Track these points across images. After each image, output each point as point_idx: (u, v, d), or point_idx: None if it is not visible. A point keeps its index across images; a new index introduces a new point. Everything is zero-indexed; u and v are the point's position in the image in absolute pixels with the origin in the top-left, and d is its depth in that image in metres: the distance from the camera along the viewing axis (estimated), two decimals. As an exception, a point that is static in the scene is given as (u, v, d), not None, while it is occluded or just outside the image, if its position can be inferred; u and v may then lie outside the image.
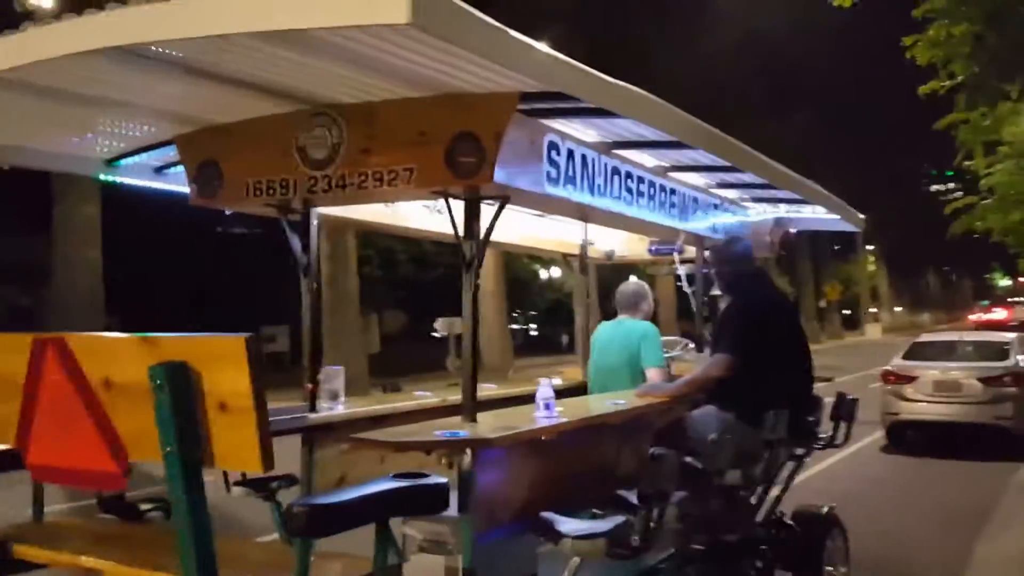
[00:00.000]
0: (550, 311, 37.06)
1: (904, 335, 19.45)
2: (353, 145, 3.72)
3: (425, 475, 2.69)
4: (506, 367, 23.81)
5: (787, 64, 32.49)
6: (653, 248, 6.68)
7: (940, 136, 9.87)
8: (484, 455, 3.42)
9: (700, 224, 5.64)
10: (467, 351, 3.73)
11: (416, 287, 31.01)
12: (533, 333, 42.26)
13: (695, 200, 5.55)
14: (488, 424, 3.62)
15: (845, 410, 5.09)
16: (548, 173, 3.80)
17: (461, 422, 3.61)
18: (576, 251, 6.35)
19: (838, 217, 6.72)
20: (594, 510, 3.69)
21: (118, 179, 4.50)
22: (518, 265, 32.71)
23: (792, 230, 7.46)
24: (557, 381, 5.93)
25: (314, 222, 4.31)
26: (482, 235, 3.64)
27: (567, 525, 3.18)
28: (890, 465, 9.88)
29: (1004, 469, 9.05)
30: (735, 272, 4.74)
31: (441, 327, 21.35)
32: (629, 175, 4.62)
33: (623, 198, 4.58)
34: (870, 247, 58.29)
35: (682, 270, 6.06)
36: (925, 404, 10.37)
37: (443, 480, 2.71)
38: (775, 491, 4.72)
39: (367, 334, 39.70)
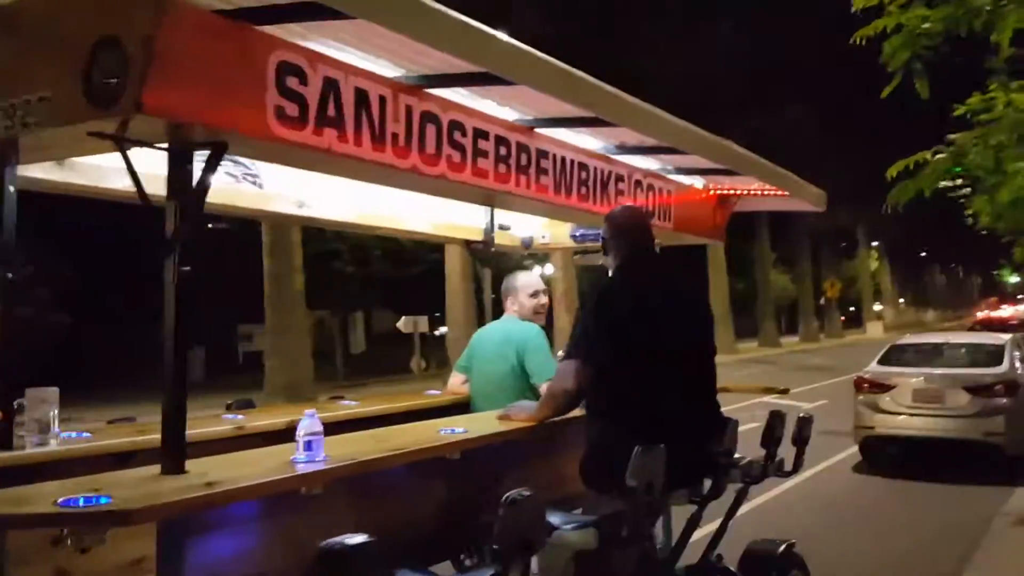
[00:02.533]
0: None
1: (906, 333, 18.20)
2: (-10, 66, 2.55)
3: None
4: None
5: (781, 54, 31.00)
6: (577, 233, 5.57)
7: (946, 128, 8.40)
8: (186, 524, 2.33)
9: (602, 202, 4.45)
10: (168, 367, 2.59)
11: (402, 285, 29.81)
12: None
13: (582, 167, 4.34)
14: (199, 474, 2.46)
15: (797, 433, 4.06)
16: (279, 108, 2.60)
17: (149, 476, 2.46)
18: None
19: (787, 194, 5.52)
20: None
21: None
22: (504, 261, 31.42)
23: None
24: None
25: (10, 188, 3.10)
26: (192, 195, 2.53)
27: None
28: (861, 489, 8.58)
29: (993, 495, 7.82)
30: (616, 243, 3.56)
31: (404, 326, 20.18)
32: (458, 125, 3.42)
33: (446, 156, 3.37)
34: (875, 243, 56.98)
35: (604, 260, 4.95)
36: (903, 417, 8.91)
37: None
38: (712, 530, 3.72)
39: (353, 334, 38.40)
